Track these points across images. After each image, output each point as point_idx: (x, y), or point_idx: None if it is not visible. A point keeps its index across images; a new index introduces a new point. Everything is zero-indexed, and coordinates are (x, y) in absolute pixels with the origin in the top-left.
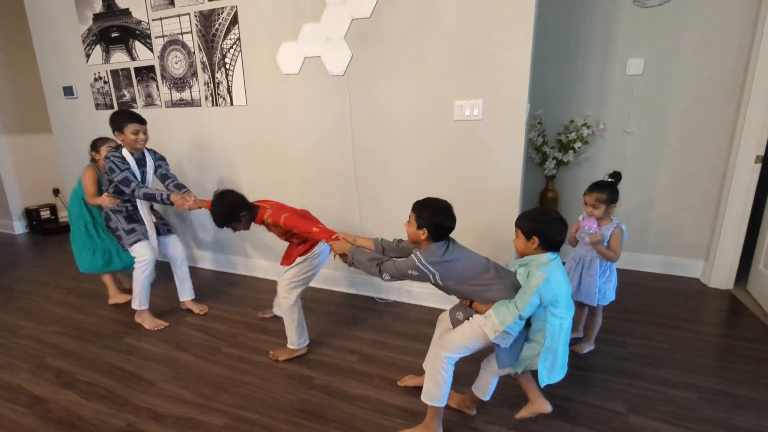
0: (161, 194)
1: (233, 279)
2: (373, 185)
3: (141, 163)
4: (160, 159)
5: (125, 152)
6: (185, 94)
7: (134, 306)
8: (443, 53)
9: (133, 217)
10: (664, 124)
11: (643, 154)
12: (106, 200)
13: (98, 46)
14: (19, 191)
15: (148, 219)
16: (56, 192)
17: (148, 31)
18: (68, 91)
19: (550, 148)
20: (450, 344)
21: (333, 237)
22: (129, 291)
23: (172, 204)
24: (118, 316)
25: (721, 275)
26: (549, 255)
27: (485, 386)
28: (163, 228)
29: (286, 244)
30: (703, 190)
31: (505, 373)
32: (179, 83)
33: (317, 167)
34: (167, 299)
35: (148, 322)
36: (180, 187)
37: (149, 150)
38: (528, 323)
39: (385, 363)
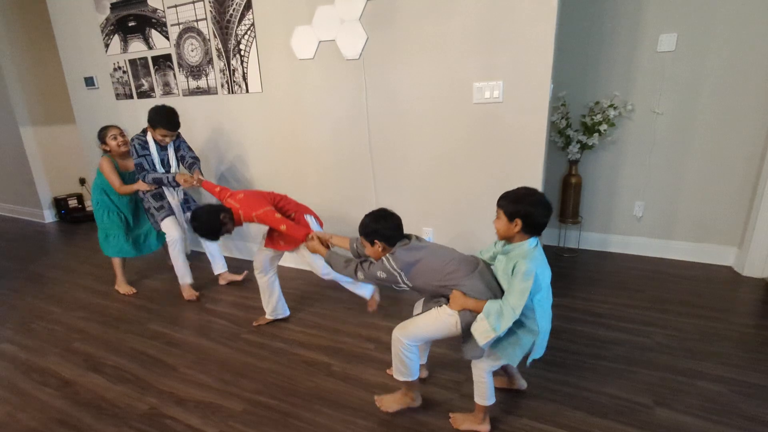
0: (167, 177)
1: (242, 264)
2: (389, 170)
3: (162, 147)
4: (181, 142)
5: (149, 137)
6: (202, 82)
7: (180, 281)
8: (462, 33)
9: (161, 194)
10: (697, 104)
11: (674, 136)
12: (143, 186)
13: (116, 36)
14: (48, 181)
15: (172, 197)
16: (82, 181)
17: (164, 19)
18: (89, 81)
19: (573, 131)
20: (412, 330)
21: (307, 236)
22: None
23: (178, 185)
24: (142, 302)
25: (756, 263)
26: (531, 242)
27: (483, 390)
28: (185, 207)
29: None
30: (738, 173)
31: (494, 366)
32: (196, 71)
33: (333, 153)
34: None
35: (186, 293)
36: (192, 165)
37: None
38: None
39: None
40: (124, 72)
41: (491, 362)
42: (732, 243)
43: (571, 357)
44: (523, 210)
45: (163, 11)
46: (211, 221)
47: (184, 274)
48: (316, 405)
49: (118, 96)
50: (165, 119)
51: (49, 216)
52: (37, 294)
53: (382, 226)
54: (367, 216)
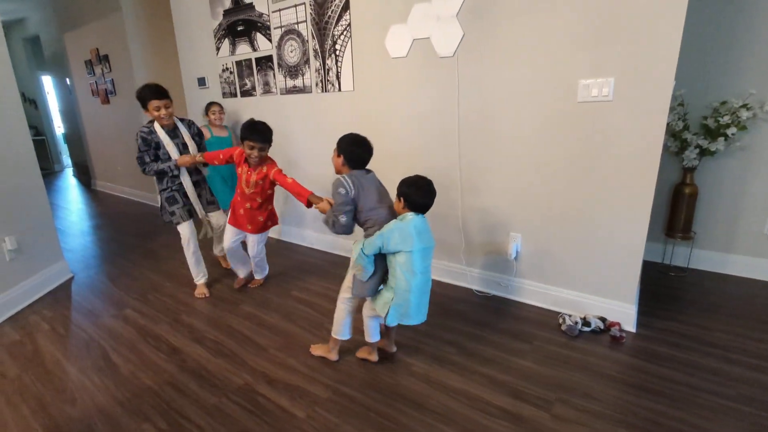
0: (168, 165)
1: (335, 258)
2: (479, 171)
3: (173, 134)
4: (196, 134)
5: (157, 126)
6: (298, 81)
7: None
8: (570, 26)
9: (175, 198)
10: None
11: None
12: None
13: (226, 40)
14: None
15: (192, 195)
16: None
17: (268, 23)
18: (201, 81)
19: (692, 135)
20: (343, 286)
21: (312, 194)
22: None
23: (178, 169)
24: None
25: None
26: (412, 214)
27: (366, 330)
28: (210, 206)
29: None
30: None
31: (374, 315)
32: (293, 71)
33: (421, 153)
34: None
35: (197, 290)
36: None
37: (183, 120)
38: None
39: (485, 359)
40: (230, 72)
41: (369, 310)
42: None
43: (681, 389)
44: (404, 191)
45: (268, 15)
46: (268, 129)
47: (196, 273)
48: (397, 404)
49: (224, 95)
50: (150, 90)
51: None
52: (152, 268)
53: (351, 150)
54: (348, 135)
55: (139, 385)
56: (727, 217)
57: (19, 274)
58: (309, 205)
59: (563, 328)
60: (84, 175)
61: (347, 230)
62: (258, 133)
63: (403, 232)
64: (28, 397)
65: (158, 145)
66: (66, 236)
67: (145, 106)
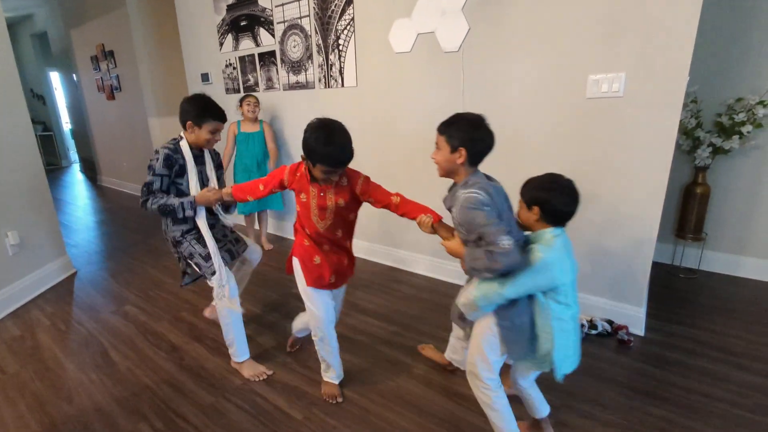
0: (182, 202)
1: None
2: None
3: (199, 160)
4: (219, 166)
5: (184, 145)
6: (301, 77)
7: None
8: (579, 18)
9: (200, 245)
10: None
11: None
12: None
13: (229, 35)
14: None
15: (212, 242)
16: None
17: (272, 18)
18: (205, 77)
19: (705, 133)
20: (472, 354)
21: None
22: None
23: (194, 211)
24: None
25: None
26: (552, 230)
27: (529, 401)
28: (241, 247)
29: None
30: None
31: (533, 373)
32: (296, 66)
33: (425, 151)
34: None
35: (247, 371)
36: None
37: (210, 150)
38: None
39: None
40: (234, 68)
41: (526, 371)
42: None
43: (692, 396)
44: (541, 197)
45: (271, 10)
46: (349, 140)
47: (240, 349)
48: (397, 407)
49: (227, 90)
50: (210, 110)
51: None
52: (154, 264)
53: (474, 137)
54: (459, 117)
55: (136, 383)
56: (740, 218)
57: (22, 269)
58: (434, 230)
59: None
60: (90, 171)
61: (518, 260)
62: (338, 147)
63: (559, 259)
64: (26, 393)
65: (182, 170)
66: (71, 231)
67: (197, 122)
